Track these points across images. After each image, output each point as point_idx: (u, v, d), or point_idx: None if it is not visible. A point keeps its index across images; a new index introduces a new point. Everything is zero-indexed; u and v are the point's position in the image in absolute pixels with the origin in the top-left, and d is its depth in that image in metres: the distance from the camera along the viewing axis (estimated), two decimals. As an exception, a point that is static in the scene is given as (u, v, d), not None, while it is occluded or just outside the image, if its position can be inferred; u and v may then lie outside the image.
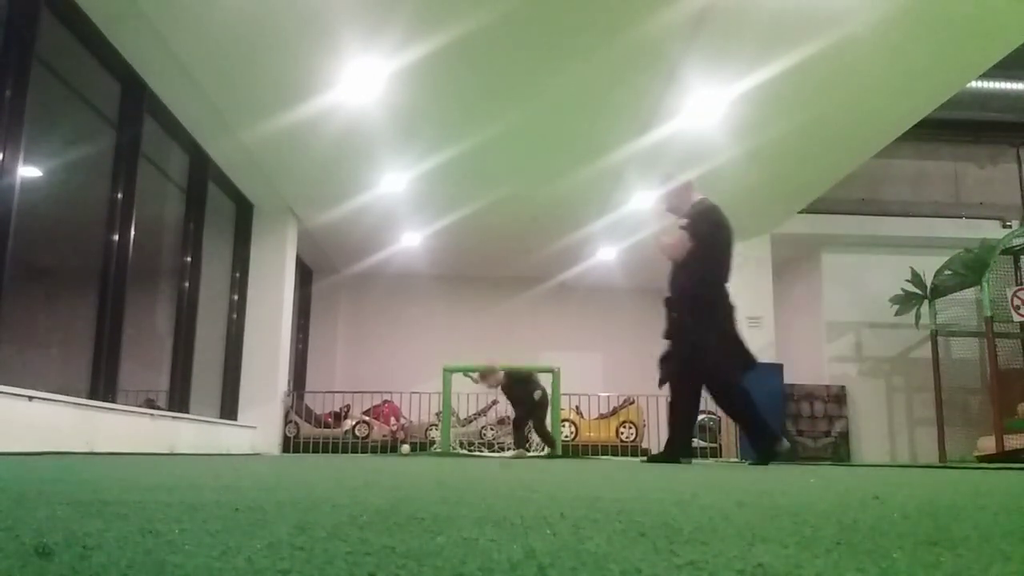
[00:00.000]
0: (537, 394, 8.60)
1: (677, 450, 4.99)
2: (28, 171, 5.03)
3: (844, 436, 10.27)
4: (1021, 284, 9.00)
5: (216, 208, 8.62)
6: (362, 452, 10.04)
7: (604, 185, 8.79)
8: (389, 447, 10.38)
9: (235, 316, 9.32)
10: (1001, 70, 7.64)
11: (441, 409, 9.63)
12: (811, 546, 0.69)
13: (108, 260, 6.13)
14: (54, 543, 0.64)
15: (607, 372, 13.21)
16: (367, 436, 10.35)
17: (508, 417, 10.89)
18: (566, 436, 10.49)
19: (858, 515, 1.00)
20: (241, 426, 8.98)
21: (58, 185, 5.82)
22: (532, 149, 7.93)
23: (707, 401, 10.82)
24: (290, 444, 9.77)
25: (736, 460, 9.38)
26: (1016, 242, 9.17)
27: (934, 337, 9.54)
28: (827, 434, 10.25)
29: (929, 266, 9.52)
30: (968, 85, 7.24)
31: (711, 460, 9.55)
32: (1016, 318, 8.54)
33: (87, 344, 5.95)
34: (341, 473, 2.22)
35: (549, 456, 8.41)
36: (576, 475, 2.45)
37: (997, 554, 0.67)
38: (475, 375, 8.53)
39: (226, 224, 9.22)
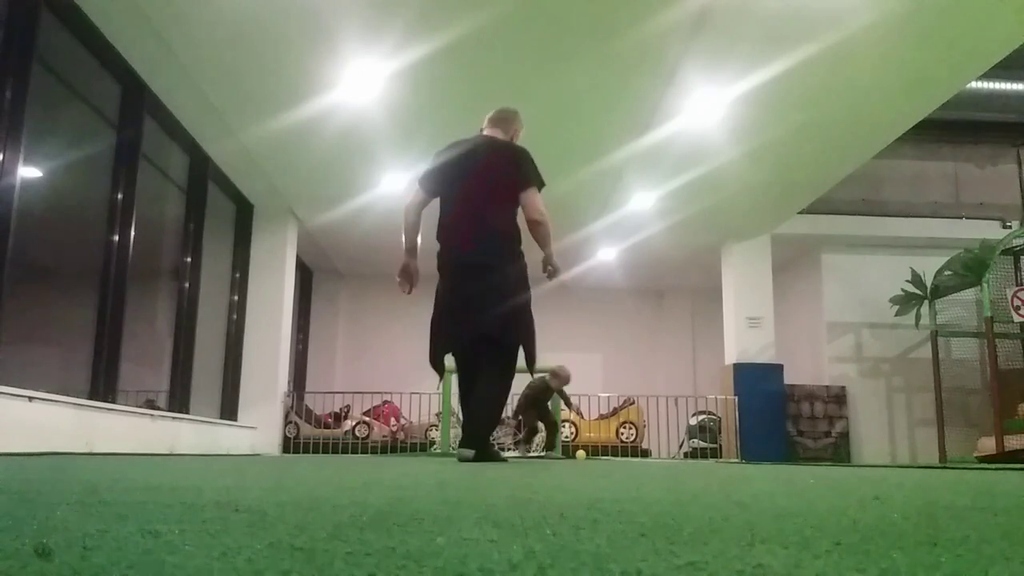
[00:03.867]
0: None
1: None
2: (28, 171, 5.03)
3: (844, 436, 10.28)
4: (1021, 284, 9.00)
5: (216, 208, 8.63)
6: (362, 453, 10.04)
7: (604, 185, 8.79)
8: (390, 447, 10.38)
9: (235, 316, 9.32)
10: (1001, 70, 7.65)
11: (441, 410, 9.64)
12: (811, 546, 0.69)
13: (108, 260, 6.14)
14: (54, 544, 0.64)
15: (607, 372, 13.23)
16: (367, 437, 10.35)
17: (507, 418, 10.90)
18: (566, 437, 10.48)
19: (858, 516, 1.00)
20: (241, 426, 8.98)
21: (58, 185, 5.82)
22: (531, 149, 7.91)
23: (706, 401, 10.85)
24: (290, 445, 9.77)
25: (736, 460, 9.39)
26: (1016, 242, 9.17)
27: (934, 337, 9.54)
28: (827, 434, 10.25)
29: (929, 266, 9.52)
30: (968, 86, 7.25)
31: (711, 460, 9.56)
32: (1016, 318, 8.54)
33: (87, 344, 5.95)
34: (341, 474, 2.22)
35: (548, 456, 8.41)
36: (576, 475, 2.45)
37: (997, 555, 0.67)
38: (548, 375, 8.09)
39: (226, 224, 9.23)
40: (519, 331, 4.07)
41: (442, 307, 4.09)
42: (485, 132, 4.30)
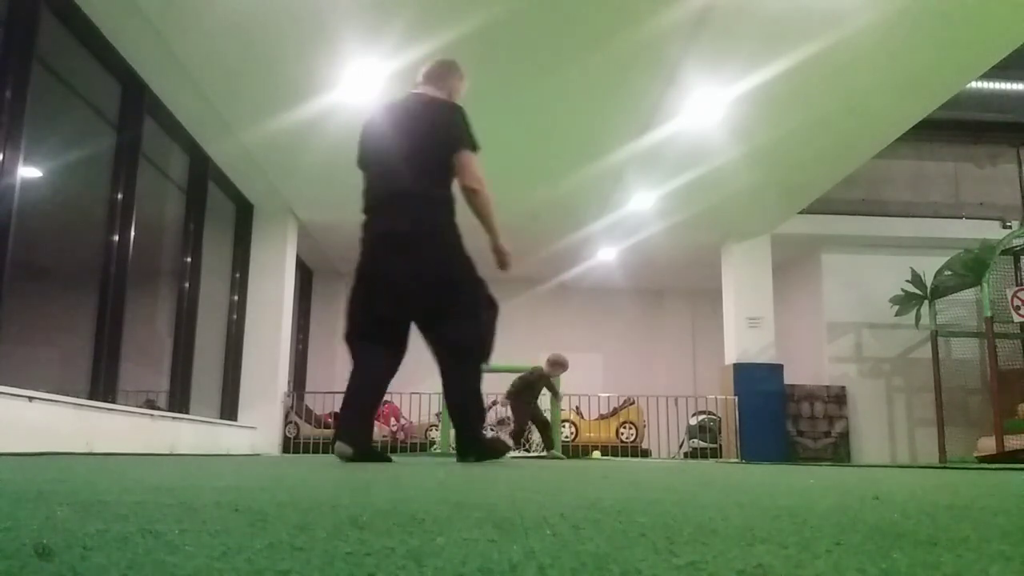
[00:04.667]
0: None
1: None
2: (28, 171, 5.03)
3: (844, 436, 10.28)
4: (1021, 284, 9.00)
5: (216, 208, 8.63)
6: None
7: (604, 185, 8.79)
8: (390, 447, 10.37)
9: (235, 316, 9.32)
10: (1001, 70, 7.65)
11: (440, 410, 9.63)
12: (811, 546, 0.69)
13: (108, 260, 6.14)
14: (54, 544, 0.64)
15: (607, 373, 13.23)
16: (367, 436, 10.33)
17: (508, 418, 10.89)
18: (566, 437, 10.48)
19: (858, 515, 1.00)
20: (241, 427, 8.98)
21: (58, 185, 5.82)
22: (532, 149, 7.94)
23: (706, 401, 10.85)
24: (290, 445, 9.77)
25: (736, 460, 9.39)
26: (1016, 242, 9.18)
27: (934, 337, 9.54)
28: (827, 435, 10.25)
29: (929, 266, 9.53)
30: (968, 85, 7.25)
31: (711, 460, 9.56)
32: (1016, 318, 8.55)
33: (87, 344, 5.95)
34: (341, 474, 2.22)
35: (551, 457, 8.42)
36: (576, 476, 2.45)
37: (997, 554, 0.67)
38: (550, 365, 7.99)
39: (226, 224, 9.23)
40: (460, 313, 3.46)
41: (361, 283, 3.57)
42: (418, 90, 3.73)
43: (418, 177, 3.47)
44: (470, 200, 3.51)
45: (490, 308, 3.59)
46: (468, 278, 3.52)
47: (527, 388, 7.87)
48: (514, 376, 8.97)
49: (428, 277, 3.42)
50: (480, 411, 3.66)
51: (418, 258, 3.41)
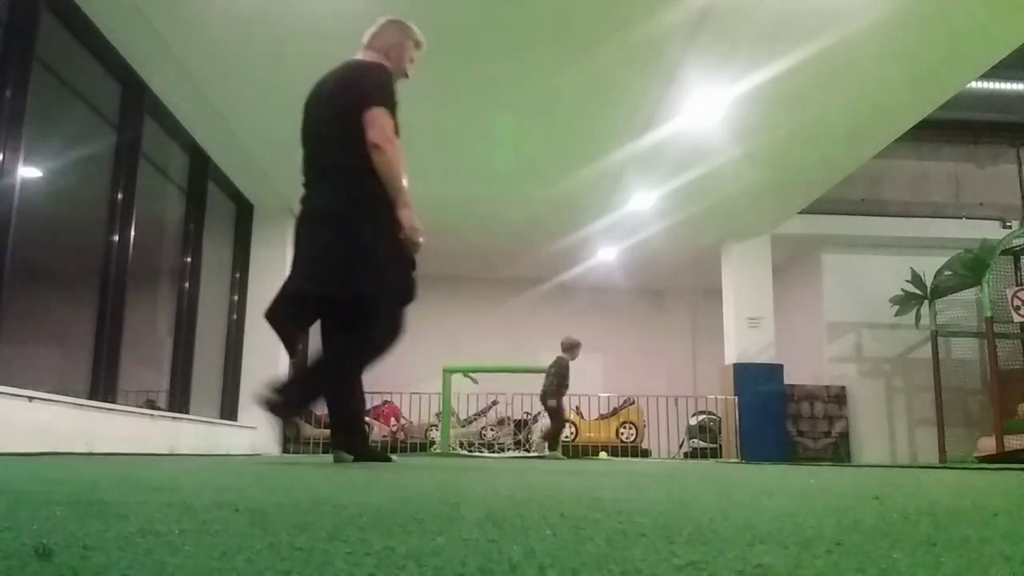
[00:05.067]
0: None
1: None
2: (28, 171, 5.03)
3: (844, 436, 10.28)
4: (1021, 284, 9.00)
5: (216, 208, 8.63)
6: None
7: (604, 185, 8.79)
8: (390, 447, 10.37)
9: (235, 316, 9.32)
10: (1001, 70, 7.65)
11: (441, 409, 9.64)
12: (811, 546, 0.69)
13: (108, 260, 6.14)
14: (54, 544, 0.64)
15: (607, 373, 13.22)
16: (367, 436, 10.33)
17: (508, 418, 10.90)
18: (566, 437, 10.48)
19: (858, 516, 1.00)
20: (241, 427, 8.97)
21: (58, 185, 5.82)
22: (532, 149, 7.94)
23: (706, 401, 10.85)
24: (290, 445, 9.77)
25: (736, 460, 9.39)
26: (1016, 242, 9.18)
27: (934, 337, 9.55)
28: (827, 435, 10.25)
29: (929, 266, 9.53)
30: (968, 86, 7.25)
31: (711, 460, 9.56)
32: (1016, 318, 8.55)
33: (87, 344, 5.95)
34: (341, 474, 2.22)
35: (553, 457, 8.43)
36: (576, 476, 2.45)
37: (997, 555, 0.67)
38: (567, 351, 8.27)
39: (226, 224, 9.23)
40: (364, 281, 3.16)
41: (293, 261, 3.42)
42: (356, 55, 3.53)
43: (337, 149, 3.28)
44: (373, 157, 3.18)
45: (402, 293, 3.28)
46: (376, 257, 3.20)
47: (564, 380, 8.15)
48: (512, 376, 8.98)
49: (335, 254, 3.19)
50: (320, 387, 3.35)
51: (328, 234, 3.21)
